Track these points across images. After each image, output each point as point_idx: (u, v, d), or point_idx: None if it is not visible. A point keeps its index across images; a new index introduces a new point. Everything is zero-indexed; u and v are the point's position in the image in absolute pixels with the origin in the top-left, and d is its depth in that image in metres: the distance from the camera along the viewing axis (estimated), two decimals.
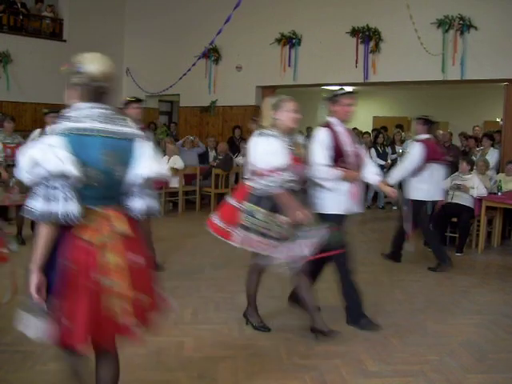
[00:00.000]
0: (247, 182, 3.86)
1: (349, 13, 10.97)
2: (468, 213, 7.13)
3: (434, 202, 6.52)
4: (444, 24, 10.04)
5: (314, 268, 4.14)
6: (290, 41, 11.85)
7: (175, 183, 9.48)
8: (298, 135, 4.04)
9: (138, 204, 2.34)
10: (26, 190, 6.31)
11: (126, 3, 14.49)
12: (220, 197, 9.14)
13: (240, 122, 12.30)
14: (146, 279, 2.37)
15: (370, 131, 12.67)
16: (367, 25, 10.86)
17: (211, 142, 11.13)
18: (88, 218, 2.20)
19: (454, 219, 7.26)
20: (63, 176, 2.08)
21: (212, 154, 10.89)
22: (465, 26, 9.85)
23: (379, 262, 6.45)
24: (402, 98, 15.58)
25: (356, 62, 11.07)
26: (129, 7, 14.48)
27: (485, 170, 7.72)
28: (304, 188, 3.94)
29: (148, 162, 2.31)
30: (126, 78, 14.42)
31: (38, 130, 6.63)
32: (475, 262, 6.68)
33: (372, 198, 11.21)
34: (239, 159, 10.96)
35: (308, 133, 14.57)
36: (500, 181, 7.54)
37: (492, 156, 8.65)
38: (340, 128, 4.16)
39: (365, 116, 16.05)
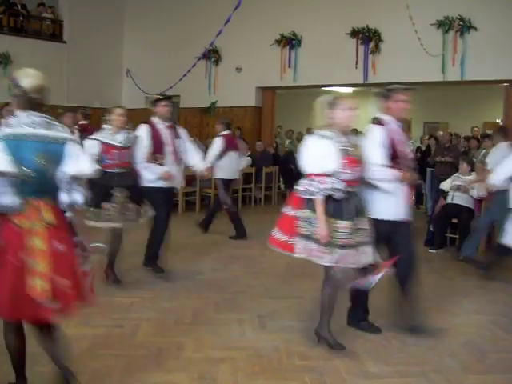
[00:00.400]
0: (298, 187, 3.64)
1: (349, 14, 10.98)
2: (468, 213, 7.13)
3: None
4: (444, 25, 10.05)
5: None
6: (290, 42, 11.87)
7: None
8: (355, 135, 3.80)
9: (65, 197, 2.74)
10: None
11: (126, 5, 14.51)
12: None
13: (240, 123, 12.30)
14: (67, 265, 2.67)
15: None
16: (367, 26, 10.87)
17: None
18: (22, 207, 2.59)
19: (455, 220, 7.26)
20: (1, 174, 2.51)
21: None
22: (465, 26, 9.87)
23: None
24: None
25: (356, 63, 11.09)
26: (129, 8, 14.50)
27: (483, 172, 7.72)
28: (358, 192, 3.70)
29: (75, 162, 2.70)
30: (125, 79, 14.45)
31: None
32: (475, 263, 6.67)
33: None
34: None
35: (308, 134, 14.61)
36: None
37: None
38: (394, 126, 3.89)
39: (365, 117, 16.05)
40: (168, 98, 5.44)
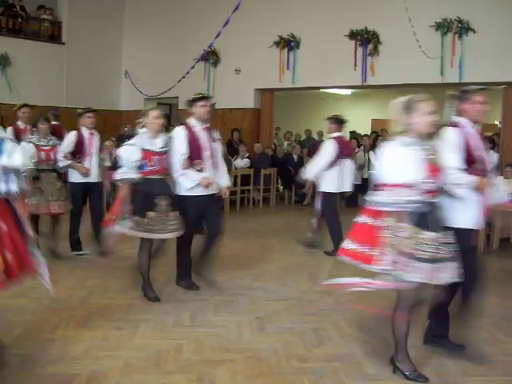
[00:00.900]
0: (373, 197, 3.35)
1: (347, 16, 10.99)
2: None
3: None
4: (442, 27, 10.06)
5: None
6: (289, 44, 11.88)
7: None
8: (435, 140, 3.45)
9: (2, 186, 3.24)
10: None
11: (125, 6, 14.51)
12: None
13: (238, 124, 12.30)
14: (8, 241, 3.19)
15: (368, 134, 12.68)
16: (366, 27, 10.88)
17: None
18: None
19: None
20: None
21: None
22: (463, 28, 9.88)
23: None
24: None
25: (355, 65, 11.10)
26: (128, 10, 14.50)
27: None
28: (440, 202, 3.39)
29: (7, 156, 3.21)
30: (124, 80, 14.44)
31: (72, 133, 6.24)
32: None
33: None
34: (238, 162, 10.97)
35: (307, 136, 14.63)
36: (498, 184, 7.53)
37: (492, 159, 8.63)
38: (470, 129, 3.64)
39: (363, 119, 16.07)
40: (207, 97, 5.00)
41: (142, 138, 4.69)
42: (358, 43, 11.05)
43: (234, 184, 10.11)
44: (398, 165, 3.21)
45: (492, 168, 3.78)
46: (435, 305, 3.67)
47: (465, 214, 3.55)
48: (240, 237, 7.63)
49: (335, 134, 6.93)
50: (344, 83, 11.87)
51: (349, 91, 15.45)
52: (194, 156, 4.89)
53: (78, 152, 6.16)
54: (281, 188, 12.53)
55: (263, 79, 12.22)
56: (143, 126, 4.73)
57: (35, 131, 6.14)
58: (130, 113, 13.38)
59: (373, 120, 16.61)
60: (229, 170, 10.00)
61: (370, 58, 10.98)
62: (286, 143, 14.04)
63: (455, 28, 9.95)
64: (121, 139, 8.44)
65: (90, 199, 6.47)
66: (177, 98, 13.41)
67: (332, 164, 6.77)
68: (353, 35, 11.06)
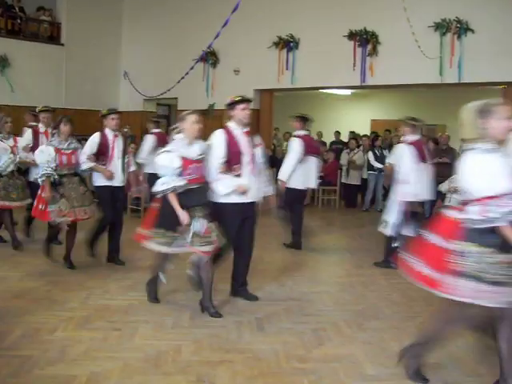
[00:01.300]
0: (456, 214, 3.08)
1: (346, 16, 11.00)
2: None
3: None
4: (441, 27, 10.07)
5: None
6: (288, 44, 11.88)
7: None
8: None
9: None
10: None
11: (124, 7, 14.51)
12: None
13: None
14: None
15: (367, 134, 12.69)
16: (365, 28, 10.89)
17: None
18: None
19: None
20: None
21: None
22: (462, 29, 9.89)
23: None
24: (399, 101, 15.59)
25: (354, 65, 11.10)
26: (126, 11, 14.50)
27: None
28: None
29: None
30: (123, 81, 14.43)
31: (95, 134, 5.92)
32: None
33: (370, 200, 11.22)
34: None
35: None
36: None
37: None
38: None
39: (362, 119, 16.08)
40: (248, 100, 4.71)
41: (178, 144, 4.37)
42: (356, 43, 11.06)
43: None
44: (490, 174, 2.91)
45: None
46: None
47: None
48: None
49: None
50: (343, 84, 11.87)
51: (348, 91, 15.45)
52: (233, 161, 4.59)
53: (101, 154, 5.84)
54: None
55: (262, 80, 12.23)
56: (179, 132, 4.44)
57: (56, 133, 5.75)
58: (129, 114, 13.38)
59: (372, 120, 16.62)
60: None
61: (369, 58, 10.98)
62: (285, 143, 14.01)
63: (454, 28, 9.96)
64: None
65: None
66: (176, 98, 13.42)
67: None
68: (352, 35, 11.07)
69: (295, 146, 7.03)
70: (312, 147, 7.25)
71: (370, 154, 11.03)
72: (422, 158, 6.10)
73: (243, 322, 4.36)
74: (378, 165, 10.74)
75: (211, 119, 12.97)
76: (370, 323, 4.44)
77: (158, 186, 4.35)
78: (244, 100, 4.65)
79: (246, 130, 4.75)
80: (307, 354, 3.80)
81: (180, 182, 4.29)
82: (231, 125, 4.73)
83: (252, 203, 4.79)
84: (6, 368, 3.41)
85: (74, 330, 4.08)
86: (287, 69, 11.95)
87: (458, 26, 9.90)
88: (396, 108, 16.00)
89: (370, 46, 10.93)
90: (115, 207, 5.97)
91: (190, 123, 4.39)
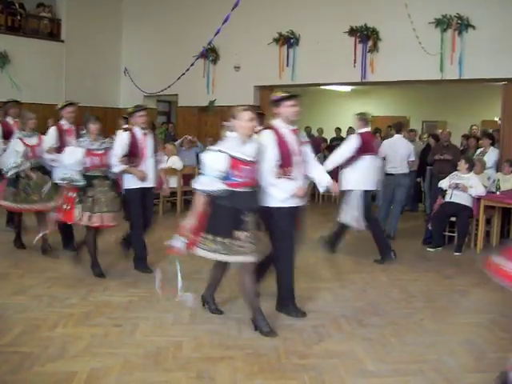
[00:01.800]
0: None
1: (347, 12, 10.97)
2: (466, 212, 7.13)
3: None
4: (442, 23, 10.03)
5: None
6: (288, 40, 11.84)
7: (174, 183, 9.47)
8: None
9: None
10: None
11: (124, 3, 14.48)
12: None
13: None
14: None
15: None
16: (365, 24, 10.85)
17: (210, 142, 11.12)
18: None
19: (453, 218, 7.27)
20: None
21: None
22: (463, 25, 9.85)
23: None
24: (400, 98, 15.58)
25: (354, 62, 11.06)
26: (127, 7, 14.46)
27: (480, 171, 7.71)
28: None
29: None
30: (123, 78, 14.41)
31: (124, 133, 5.53)
32: (474, 262, 6.67)
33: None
34: None
35: (307, 132, 14.61)
36: (498, 180, 7.54)
37: (492, 155, 8.63)
38: None
39: None
40: (296, 96, 4.33)
41: (230, 143, 4.00)
42: (357, 40, 11.01)
43: None
44: None
45: None
46: None
47: None
48: None
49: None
50: (344, 80, 11.83)
51: (348, 88, 15.42)
52: (285, 163, 4.27)
53: (131, 154, 5.48)
54: None
55: (263, 76, 12.20)
56: (232, 130, 4.04)
57: (85, 133, 5.41)
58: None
59: (372, 117, 16.57)
60: None
61: (370, 54, 10.94)
62: None
63: (455, 24, 9.92)
64: None
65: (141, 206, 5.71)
66: (176, 95, 13.41)
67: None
68: (352, 32, 11.03)
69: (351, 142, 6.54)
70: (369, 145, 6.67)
71: None
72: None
73: (243, 318, 4.36)
74: None
75: (212, 115, 13.00)
76: (370, 319, 4.44)
77: (197, 184, 4.03)
78: (292, 96, 4.31)
79: (293, 128, 4.40)
80: (307, 350, 3.80)
81: (217, 187, 3.94)
82: (277, 123, 4.35)
83: (301, 207, 4.47)
84: (6, 365, 3.41)
85: (74, 327, 4.09)
86: (287, 65, 11.91)
87: (459, 22, 9.87)
88: (397, 104, 16.00)
89: (370, 43, 10.89)
90: (146, 209, 5.67)
91: (244, 121, 3.97)
